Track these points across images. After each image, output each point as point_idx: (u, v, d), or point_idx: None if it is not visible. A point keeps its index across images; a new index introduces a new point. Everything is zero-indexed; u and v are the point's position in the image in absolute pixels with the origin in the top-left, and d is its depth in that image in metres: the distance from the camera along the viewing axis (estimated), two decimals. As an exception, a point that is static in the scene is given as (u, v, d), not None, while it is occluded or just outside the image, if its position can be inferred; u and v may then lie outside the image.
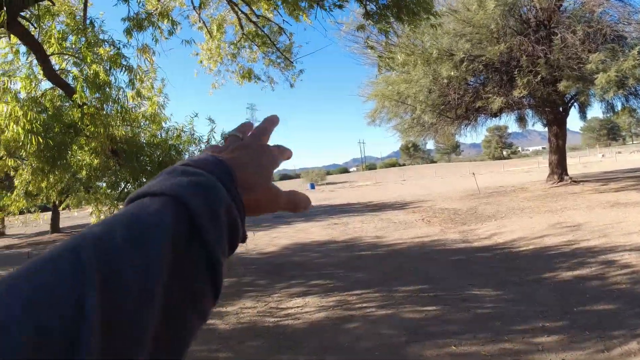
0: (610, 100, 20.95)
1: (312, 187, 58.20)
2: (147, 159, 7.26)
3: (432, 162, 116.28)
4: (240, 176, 0.49)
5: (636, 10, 16.92)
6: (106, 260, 0.32)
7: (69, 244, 0.33)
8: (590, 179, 21.82)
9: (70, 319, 0.28)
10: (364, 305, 5.85)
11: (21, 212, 7.69)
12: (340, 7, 6.60)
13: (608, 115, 23.41)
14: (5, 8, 4.47)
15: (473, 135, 47.07)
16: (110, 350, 0.30)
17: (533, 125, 24.77)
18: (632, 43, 15.73)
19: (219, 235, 0.41)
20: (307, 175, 74.58)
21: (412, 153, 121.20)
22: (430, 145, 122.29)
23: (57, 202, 8.38)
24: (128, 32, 7.34)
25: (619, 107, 21.57)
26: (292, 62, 9.43)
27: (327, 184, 66.75)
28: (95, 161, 6.79)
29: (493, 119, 22.56)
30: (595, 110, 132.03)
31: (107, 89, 5.95)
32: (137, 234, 0.35)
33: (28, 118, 4.94)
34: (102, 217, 7.37)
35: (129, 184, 7.58)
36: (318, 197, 34.82)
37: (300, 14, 7.14)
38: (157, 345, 0.34)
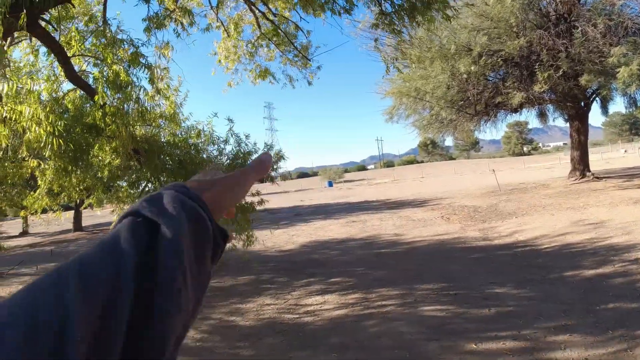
0: (632, 95, 20.50)
1: (330, 184, 58.19)
2: (168, 157, 7.35)
3: (451, 159, 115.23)
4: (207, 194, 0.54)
5: None
6: (83, 267, 0.38)
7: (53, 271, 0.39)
8: (612, 175, 21.37)
9: (56, 313, 0.34)
10: (384, 303, 5.82)
11: (44, 211, 7.84)
12: (349, 12, 6.57)
13: (630, 109, 22.87)
14: (25, 10, 4.53)
15: (493, 132, 46.48)
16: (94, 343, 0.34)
17: (554, 120, 24.34)
18: (655, 36, 15.32)
19: (177, 224, 0.45)
20: (325, 173, 74.64)
21: (431, 150, 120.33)
22: (448, 142, 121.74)
23: (79, 201, 8.55)
24: (148, 29, 7.42)
25: (642, 101, 21.12)
26: (310, 60, 9.43)
27: (345, 181, 66.71)
28: (117, 161, 6.89)
29: (513, 114, 22.22)
30: (618, 105, 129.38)
31: (128, 89, 6.02)
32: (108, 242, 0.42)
33: (50, 120, 5.01)
34: (124, 215, 7.48)
35: (149, 183, 7.68)
36: (336, 194, 34.83)
37: (317, 11, 7.13)
38: (136, 339, 0.38)
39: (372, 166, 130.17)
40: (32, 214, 8.00)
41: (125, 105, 6.14)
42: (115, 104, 6.02)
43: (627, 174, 21.50)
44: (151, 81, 6.63)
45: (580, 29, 15.71)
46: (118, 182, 7.62)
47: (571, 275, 6.18)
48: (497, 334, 4.34)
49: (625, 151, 61.15)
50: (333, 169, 77.61)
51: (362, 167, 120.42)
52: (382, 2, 6.00)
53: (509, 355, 3.89)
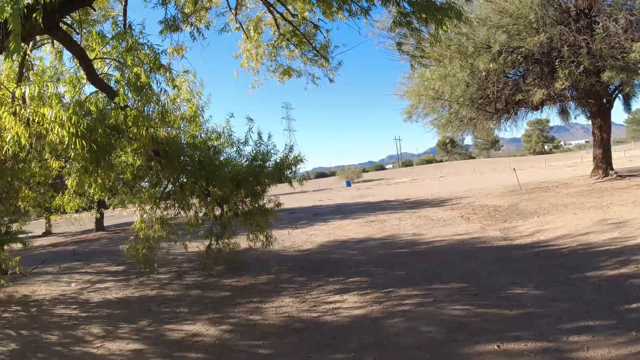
0: (655, 91, 20.04)
1: (348, 184, 58.16)
2: (188, 159, 7.44)
3: (471, 157, 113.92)
4: None
5: None
6: None
7: None
8: (636, 174, 20.88)
9: None
10: (403, 302, 5.81)
11: (76, 211, 7.99)
12: (366, 12, 6.58)
13: (655, 105, 22.30)
14: (44, 14, 4.62)
15: (513, 130, 46.04)
16: None
17: (575, 118, 23.92)
18: (677, 30, 14.96)
19: None
20: (343, 173, 74.56)
21: (449, 149, 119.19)
22: (468, 140, 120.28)
23: (101, 202, 8.69)
24: (164, 31, 7.55)
25: (665, 97, 20.60)
26: (329, 60, 9.47)
27: (363, 181, 66.57)
28: (138, 162, 7.00)
29: (534, 112, 21.92)
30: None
31: (148, 91, 6.11)
32: None
33: (72, 121, 5.11)
34: (145, 215, 7.61)
35: (169, 184, 7.79)
36: (354, 194, 34.79)
37: (336, 12, 7.14)
38: None
39: (391, 165, 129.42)
40: (63, 213, 8.16)
41: (146, 108, 6.23)
42: (136, 106, 6.12)
43: (651, 172, 21.00)
44: (171, 83, 6.73)
45: (601, 24, 15.40)
46: (140, 182, 7.74)
47: (594, 276, 6.08)
48: (519, 335, 4.29)
49: (649, 148, 59.71)
50: (351, 169, 77.45)
51: (380, 167, 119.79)
52: (401, 1, 5.98)
53: (531, 356, 3.85)
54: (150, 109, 6.32)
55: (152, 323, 6.08)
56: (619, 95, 20.72)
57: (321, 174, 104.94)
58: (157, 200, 7.65)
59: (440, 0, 5.95)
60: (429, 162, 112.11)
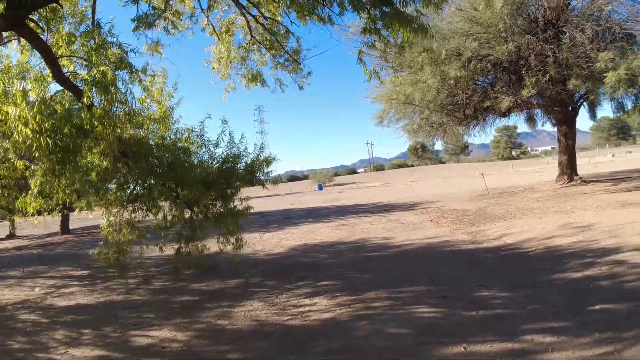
0: (620, 99, 20.77)
1: (320, 188, 58.25)
2: (156, 160, 7.31)
3: (441, 162, 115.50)
4: None
5: None
6: None
7: None
8: (600, 179, 21.58)
9: None
10: (373, 305, 5.83)
11: (39, 213, 7.72)
12: (338, 16, 6.61)
13: (618, 114, 23.17)
14: (14, 11, 4.49)
15: (482, 136, 46.99)
16: None
17: (542, 125, 24.59)
18: (642, 40, 15.55)
19: None
20: (315, 177, 74.68)
21: (420, 154, 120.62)
22: (438, 146, 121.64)
23: (67, 204, 8.43)
24: (137, 28, 7.39)
25: (629, 106, 21.33)
26: (300, 65, 9.44)
27: (335, 185, 66.75)
28: (105, 163, 6.84)
29: (502, 118, 22.41)
30: (605, 110, 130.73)
31: (114, 89, 5.97)
32: None
33: (37, 120, 4.97)
34: (112, 218, 7.44)
35: (137, 186, 7.64)
36: (326, 198, 34.86)
37: (309, 15, 7.13)
38: None
39: (363, 170, 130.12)
40: (25, 215, 7.88)
41: (112, 107, 6.10)
42: (102, 105, 5.98)
43: (614, 178, 21.75)
44: (139, 82, 6.60)
45: (568, 34, 15.88)
46: (107, 184, 7.55)
47: (559, 278, 6.24)
48: (486, 337, 4.36)
49: (613, 155, 61.95)
50: (323, 172, 77.68)
51: (352, 171, 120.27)
52: (371, 9, 6.01)
53: (497, 357, 3.91)
54: (117, 108, 6.18)
55: (118, 329, 5.94)
56: (584, 103, 21.37)
57: (293, 177, 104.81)
58: (125, 203, 7.49)
59: (411, 10, 6.02)
60: (401, 166, 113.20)
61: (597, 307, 4.93)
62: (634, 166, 31.66)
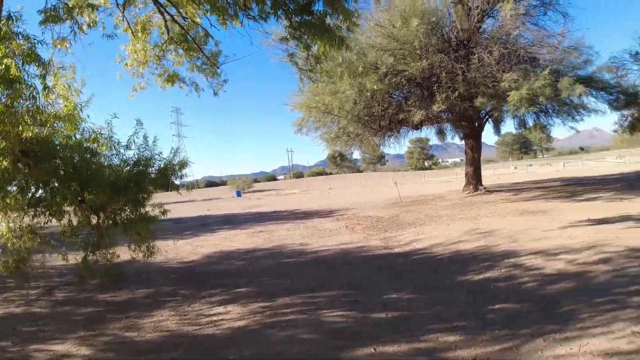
0: (521, 117, 22.62)
1: (239, 194, 57.45)
2: (61, 161, 6.85)
3: (359, 171, 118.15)
4: None
5: (549, 34, 18.39)
6: None
7: None
8: (503, 189, 23.26)
9: None
10: (286, 311, 5.84)
11: None
12: (265, 19, 6.58)
13: (520, 130, 25.33)
14: None
15: (397, 147, 48.83)
16: None
17: (452, 138, 26.28)
18: (544, 64, 16.96)
19: None
20: (234, 183, 73.49)
21: (339, 162, 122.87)
22: (356, 155, 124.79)
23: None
24: (45, 22, 6.91)
25: (530, 123, 23.39)
26: (218, 69, 9.25)
27: (254, 191, 66.16)
28: (4, 163, 6.29)
29: (415, 131, 23.48)
30: (509, 126, 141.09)
31: (19, 85, 5.55)
32: None
33: None
34: (12, 224, 6.87)
35: (39, 189, 7.12)
36: (244, 204, 34.47)
37: (230, 19, 7.04)
38: None
39: (282, 177, 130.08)
40: None
41: (14, 103, 5.66)
42: (4, 101, 5.53)
43: (515, 188, 23.55)
44: (42, 78, 6.18)
45: (477, 55, 17.10)
46: (6, 187, 6.95)
47: (463, 280, 6.65)
48: (394, 337, 4.55)
49: (515, 168, 67.32)
50: (242, 178, 76.61)
51: (272, 178, 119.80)
52: (292, 16, 6.06)
53: (404, 356, 4.08)
54: (21, 105, 5.75)
55: (17, 343, 5.47)
56: (490, 119, 22.97)
57: (211, 183, 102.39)
58: (25, 207, 6.95)
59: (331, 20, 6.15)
60: (320, 174, 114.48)
61: (497, 306, 5.34)
62: (533, 178, 34.55)
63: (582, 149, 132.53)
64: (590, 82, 19.08)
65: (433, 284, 6.59)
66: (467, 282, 6.57)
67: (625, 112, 27.36)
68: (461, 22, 18.27)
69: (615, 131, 31.96)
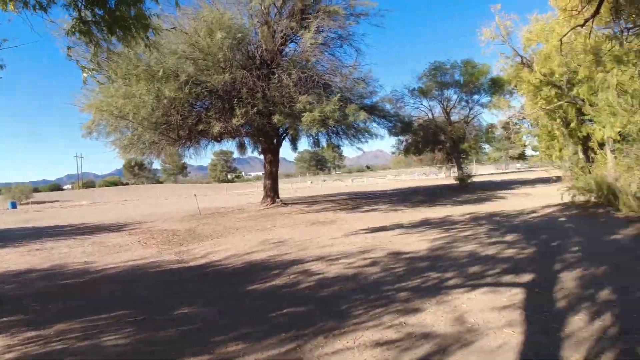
0: (315, 136, 24.73)
1: (14, 206, 49.89)
2: None
3: (159, 182, 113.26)
4: None
5: (343, 65, 21.00)
6: None
7: None
8: (298, 202, 24.91)
9: None
10: (63, 338, 5.31)
11: None
12: (45, 9, 5.93)
13: (315, 148, 27.71)
14: None
15: (198, 158, 48.37)
16: None
17: (252, 152, 27.30)
18: (336, 91, 18.97)
19: None
20: (9, 192, 63.41)
21: (137, 172, 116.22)
22: (157, 164, 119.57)
23: None
24: None
25: (323, 142, 25.82)
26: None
27: (34, 202, 58.31)
28: None
29: (216, 143, 23.72)
30: (305, 144, 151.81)
31: None
32: None
33: None
34: None
35: None
36: (20, 218, 30.15)
37: (8, 2, 6.17)
38: None
39: (69, 186, 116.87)
40: None
41: None
42: None
43: (309, 201, 25.47)
44: None
45: (277, 75, 18.21)
46: None
47: (255, 289, 6.98)
48: (182, 351, 4.54)
49: (311, 182, 73.29)
50: (20, 187, 66.60)
51: (56, 187, 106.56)
52: (82, 8, 5.60)
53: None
54: None
55: None
56: (287, 136, 24.50)
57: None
58: None
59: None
60: (114, 184, 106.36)
61: (285, 310, 5.74)
62: (326, 192, 37.77)
63: (368, 167, 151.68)
64: (374, 110, 22.13)
65: (225, 295, 6.72)
66: (257, 290, 6.89)
67: (402, 138, 32.70)
68: (266, 42, 19.24)
69: (393, 153, 37.57)
